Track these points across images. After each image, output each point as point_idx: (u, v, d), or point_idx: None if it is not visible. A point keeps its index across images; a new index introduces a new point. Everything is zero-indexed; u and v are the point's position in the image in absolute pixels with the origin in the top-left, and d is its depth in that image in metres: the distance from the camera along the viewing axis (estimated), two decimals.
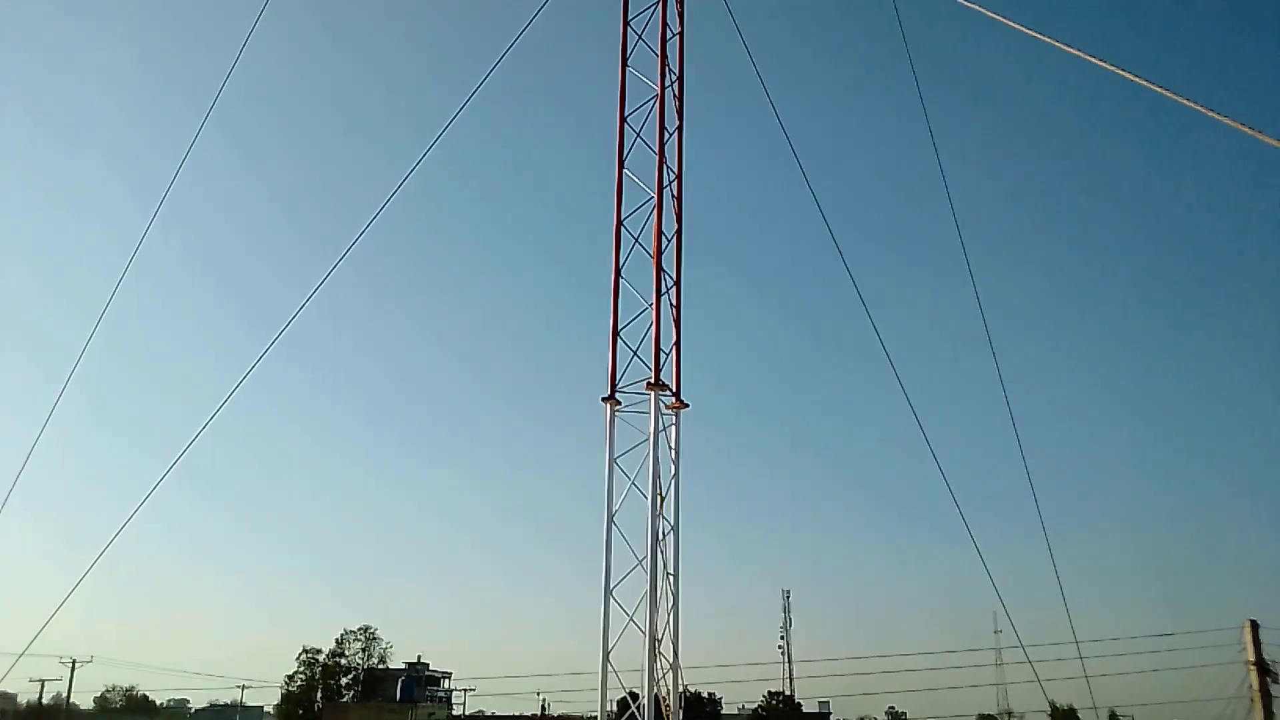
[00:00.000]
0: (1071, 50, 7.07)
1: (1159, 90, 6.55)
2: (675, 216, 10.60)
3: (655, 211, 10.40)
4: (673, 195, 10.64)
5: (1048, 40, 7.29)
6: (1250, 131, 5.70)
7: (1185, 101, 6.19)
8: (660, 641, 9.56)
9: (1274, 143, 5.44)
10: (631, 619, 9.52)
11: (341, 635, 50.54)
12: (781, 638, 58.10)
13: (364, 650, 50.85)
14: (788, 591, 59.79)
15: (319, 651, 49.62)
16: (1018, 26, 7.52)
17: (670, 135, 10.71)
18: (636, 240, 10.47)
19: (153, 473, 10.50)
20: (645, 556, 9.65)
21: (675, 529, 9.95)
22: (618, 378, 10.22)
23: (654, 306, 10.22)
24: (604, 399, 10.22)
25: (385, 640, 51.14)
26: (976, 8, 7.83)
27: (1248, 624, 21.52)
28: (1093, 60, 6.95)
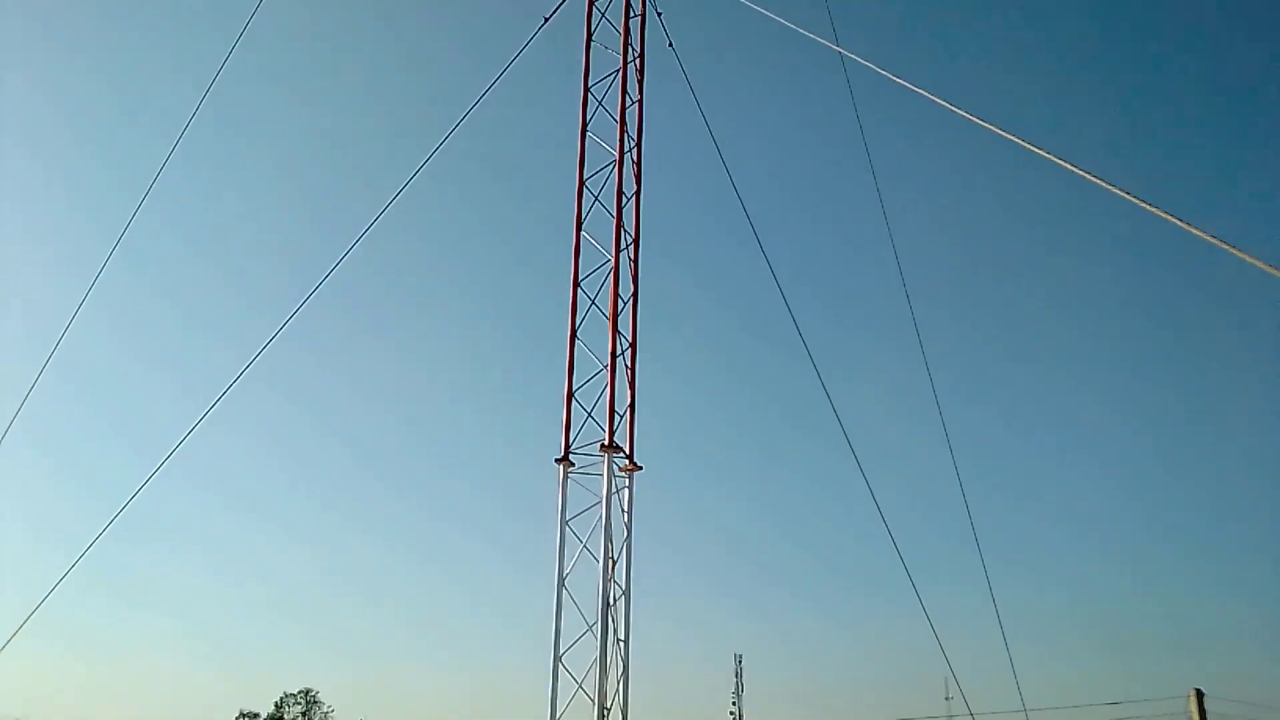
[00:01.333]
0: (1030, 146, 7.31)
1: (1116, 191, 6.78)
2: (632, 279, 10.69)
3: (612, 273, 10.47)
4: (629, 258, 10.74)
5: (1008, 136, 7.53)
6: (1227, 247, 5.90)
7: (1156, 211, 6.41)
8: (610, 709, 9.38)
9: (1265, 268, 5.50)
10: (581, 686, 9.34)
11: (281, 698, 48.94)
12: (733, 704, 57.35)
13: (304, 715, 49.23)
14: (740, 656, 59.18)
15: (256, 716, 47.98)
16: (972, 118, 7.77)
17: (628, 200, 10.86)
18: (593, 302, 10.52)
19: (95, 519, 10.19)
20: (595, 621, 9.52)
21: (627, 593, 9.84)
22: (571, 439, 10.19)
23: (609, 368, 10.24)
24: (557, 460, 10.16)
25: (327, 704, 49.59)
26: (941, 102, 8.08)
27: (1193, 693, 21.67)
28: (1046, 156, 7.19)
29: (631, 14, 11.21)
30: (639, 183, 10.98)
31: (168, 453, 10.35)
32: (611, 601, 9.68)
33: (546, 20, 11.27)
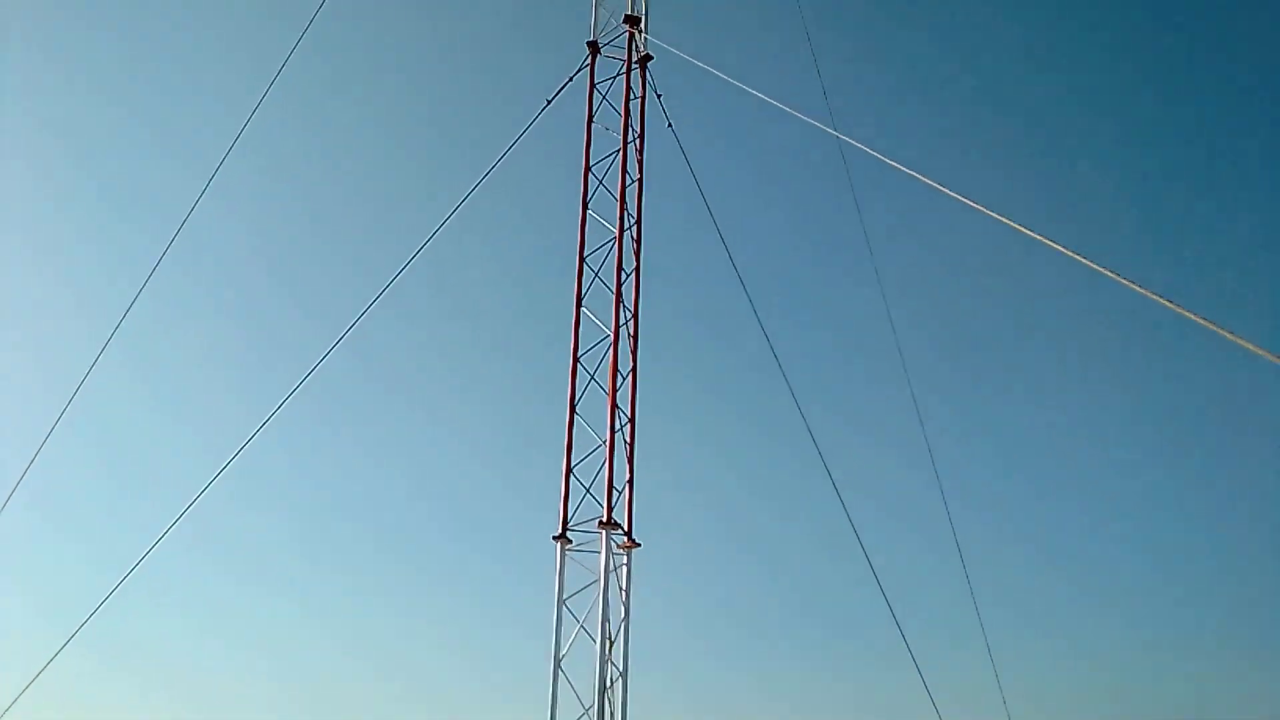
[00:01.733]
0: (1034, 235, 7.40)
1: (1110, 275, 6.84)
2: (631, 355, 10.72)
3: (611, 349, 10.52)
4: (629, 334, 10.79)
5: (1002, 220, 7.63)
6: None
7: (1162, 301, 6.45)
8: None
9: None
10: None
11: None
12: None
13: None
14: None
15: None
16: (969, 202, 7.88)
17: (627, 276, 10.96)
18: (592, 377, 10.55)
19: (98, 587, 10.05)
20: (592, 704, 9.30)
21: (624, 675, 9.63)
22: (569, 516, 10.10)
23: (608, 443, 10.20)
24: (555, 537, 10.05)
25: None
26: (933, 184, 8.21)
27: None
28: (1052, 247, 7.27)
29: (632, 96, 11.46)
30: (638, 260, 11.10)
31: (172, 520, 10.22)
32: (609, 683, 9.48)
33: (549, 103, 11.50)
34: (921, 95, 27.62)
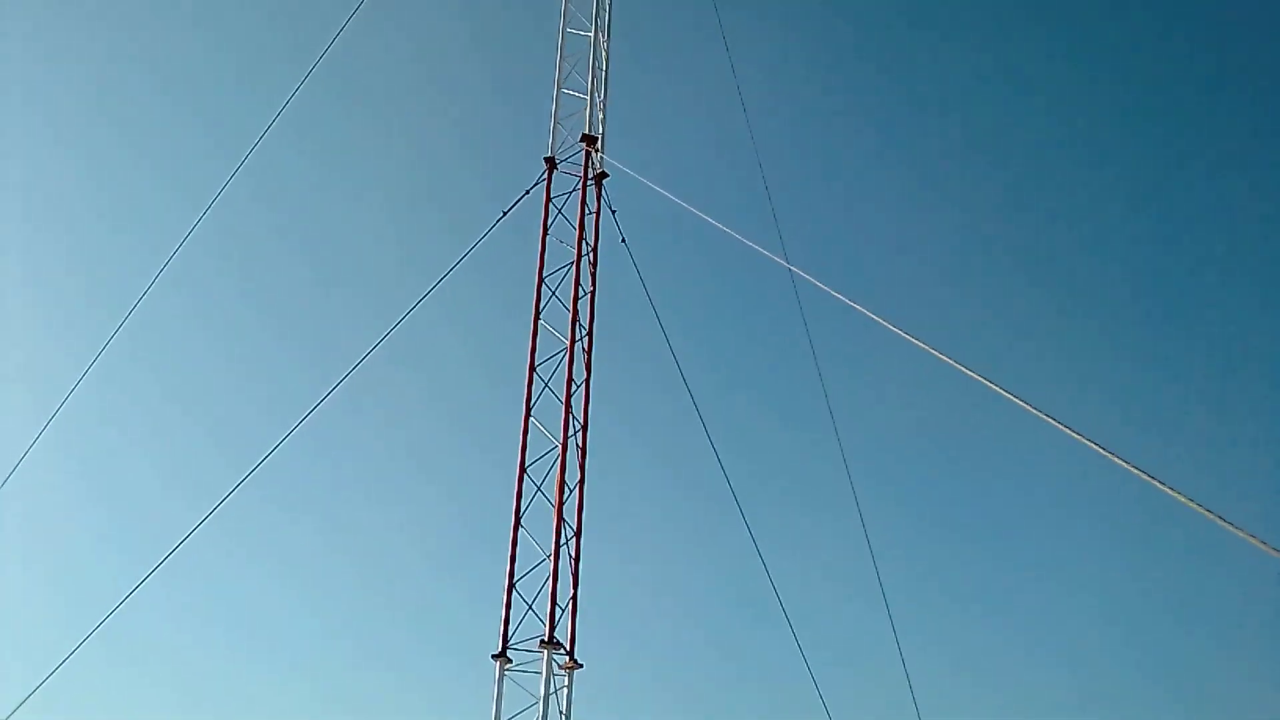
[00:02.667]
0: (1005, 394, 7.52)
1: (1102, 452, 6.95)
2: (579, 466, 10.56)
3: (559, 460, 10.36)
4: (577, 445, 10.67)
5: (963, 370, 7.75)
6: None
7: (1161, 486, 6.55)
8: None
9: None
10: None
11: None
12: None
13: None
14: None
15: None
16: (923, 345, 8.02)
17: (577, 387, 10.90)
18: (539, 489, 10.34)
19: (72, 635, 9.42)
20: None
21: None
22: (510, 633, 9.73)
23: (552, 558, 9.93)
24: (494, 656, 9.65)
25: None
26: (885, 323, 8.37)
27: None
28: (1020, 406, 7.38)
29: (587, 211, 11.64)
30: (589, 371, 11.07)
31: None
32: None
33: (504, 214, 11.66)
34: (880, 220, 28.40)
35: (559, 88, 12.23)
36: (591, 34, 12.37)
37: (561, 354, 10.95)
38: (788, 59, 28.27)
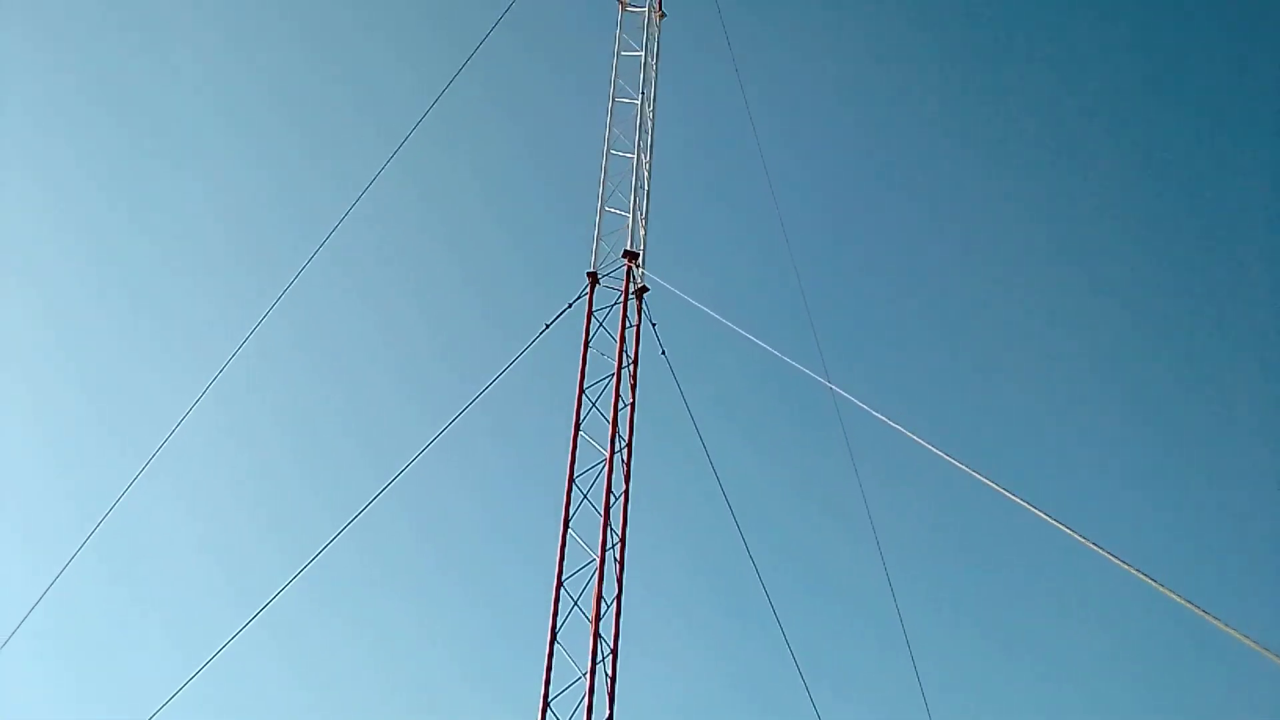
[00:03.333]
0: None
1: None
2: (616, 581, 10.44)
3: (597, 574, 10.26)
4: (615, 559, 10.58)
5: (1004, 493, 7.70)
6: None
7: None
8: None
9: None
10: None
11: None
12: None
13: None
14: None
15: None
16: (964, 467, 7.97)
17: (616, 500, 10.88)
18: (575, 603, 10.22)
19: None
20: None
21: None
22: None
23: (589, 675, 9.73)
24: None
25: None
26: (928, 445, 8.35)
27: None
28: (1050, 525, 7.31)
29: (627, 324, 11.82)
30: (628, 484, 11.04)
31: None
32: None
33: (547, 327, 11.86)
34: (918, 328, 28.26)
35: (602, 205, 12.60)
36: (634, 155, 12.80)
37: (601, 465, 10.97)
38: (824, 174, 28.86)
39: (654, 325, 11.97)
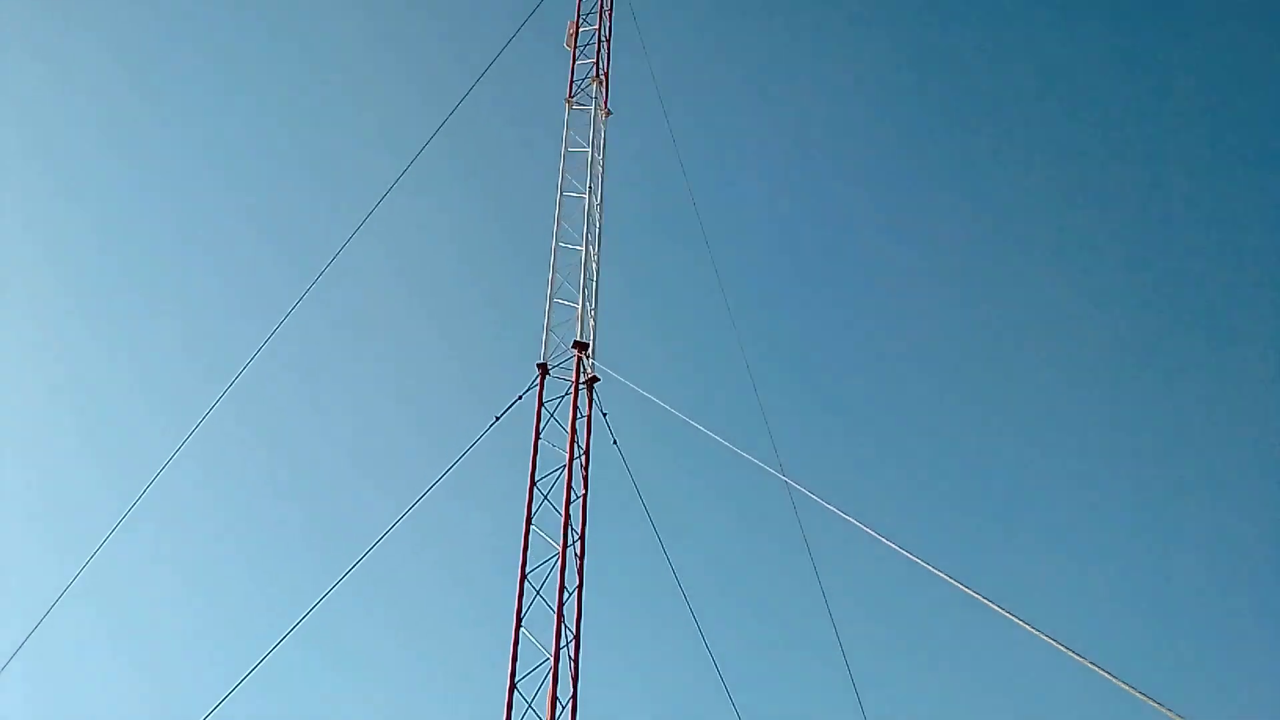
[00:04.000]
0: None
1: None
2: (571, 679, 10.15)
3: (551, 673, 9.97)
4: (569, 656, 10.30)
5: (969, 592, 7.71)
6: None
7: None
8: None
9: None
10: None
11: None
12: None
13: None
14: None
15: None
16: (928, 566, 7.98)
17: (569, 595, 10.64)
18: (529, 705, 9.88)
19: None
20: None
21: None
22: None
23: None
24: None
25: None
26: (890, 543, 8.36)
27: None
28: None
29: (578, 415, 11.76)
30: (581, 578, 10.83)
31: None
32: None
33: (497, 419, 11.76)
34: (872, 416, 28.43)
35: (551, 297, 12.66)
36: (583, 247, 12.95)
37: (554, 559, 10.76)
38: (771, 263, 29.43)
39: (605, 415, 11.94)
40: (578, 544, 11.02)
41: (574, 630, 10.43)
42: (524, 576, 10.68)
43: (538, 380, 11.98)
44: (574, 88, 14.34)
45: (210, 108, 29.82)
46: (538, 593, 10.57)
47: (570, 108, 14.17)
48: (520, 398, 11.90)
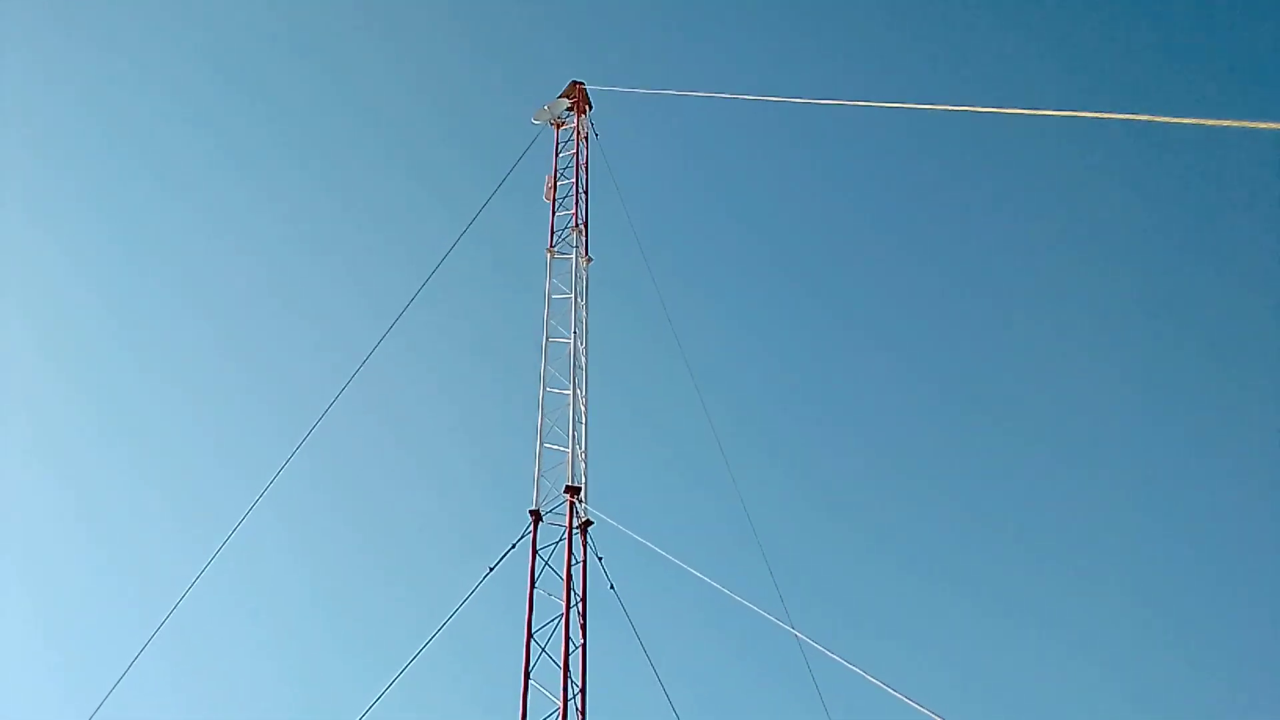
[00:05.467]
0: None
1: None
2: None
3: None
4: (577, 709, 9.97)
5: None
6: None
7: None
8: None
9: None
10: None
11: None
12: None
13: None
14: None
15: None
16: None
17: (575, 649, 10.51)
18: None
19: None
20: None
21: None
22: None
23: None
24: None
25: None
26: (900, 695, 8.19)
27: None
28: None
29: (573, 560, 11.58)
30: (585, 635, 10.73)
31: None
32: None
33: (491, 570, 11.56)
34: (874, 570, 27.76)
35: (540, 443, 12.65)
36: (569, 391, 13.04)
37: (554, 715, 10.39)
38: (760, 401, 29.57)
39: (600, 559, 11.76)
40: (578, 698, 10.67)
41: (580, 684, 10.08)
42: (529, 637, 10.48)
43: (531, 528, 11.85)
44: (554, 238, 14.75)
45: (199, 274, 30.47)
46: (543, 650, 10.31)
47: (552, 257, 14.54)
48: (514, 546, 11.74)
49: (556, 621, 11.05)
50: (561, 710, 10.34)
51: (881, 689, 7.85)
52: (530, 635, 11.01)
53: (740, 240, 31.66)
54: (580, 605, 11.27)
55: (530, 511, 11.95)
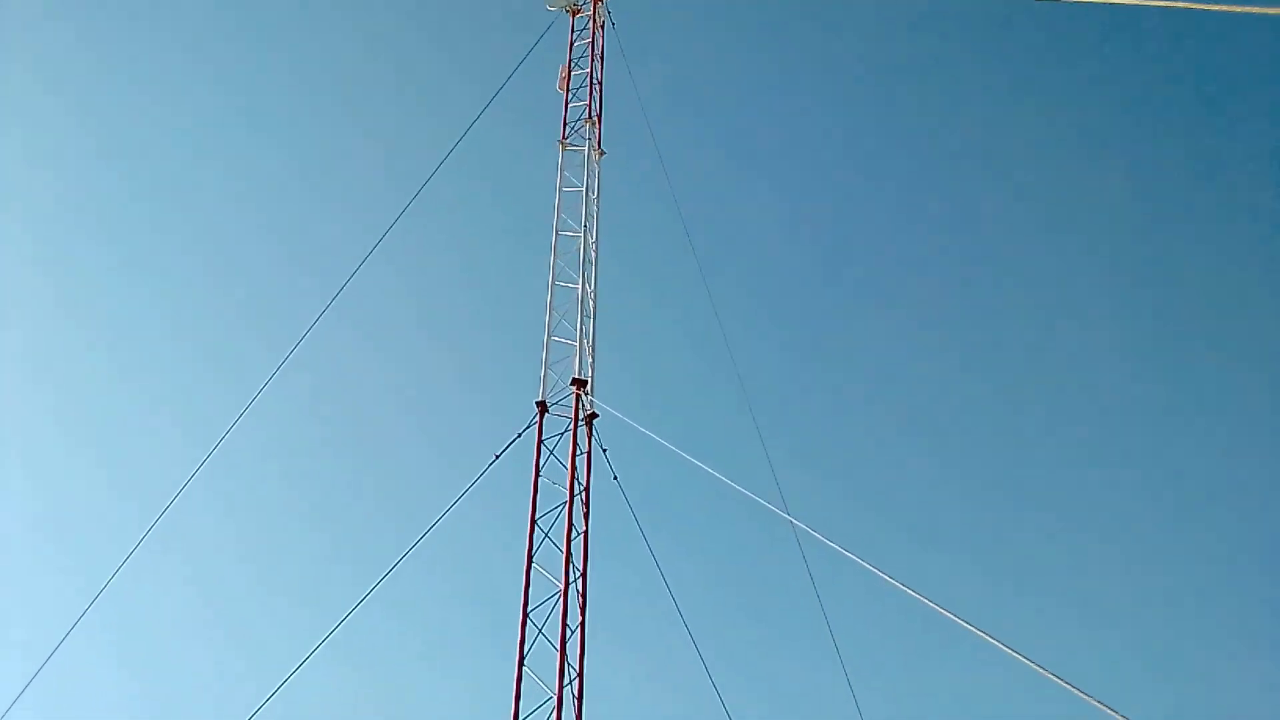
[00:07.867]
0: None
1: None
2: (576, 716, 10.09)
3: (555, 716, 9.92)
4: (573, 694, 10.25)
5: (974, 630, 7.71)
6: None
7: None
8: None
9: None
10: None
11: None
12: None
13: None
14: None
15: None
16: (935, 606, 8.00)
17: (572, 633, 10.61)
18: None
19: None
20: None
21: None
22: None
23: None
24: None
25: None
26: (895, 582, 8.37)
27: None
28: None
29: (578, 452, 11.78)
30: (584, 615, 10.80)
31: None
32: None
33: (496, 458, 11.76)
34: (875, 449, 28.14)
35: (548, 335, 12.72)
36: (579, 285, 13.04)
37: (555, 598, 10.73)
38: (769, 296, 29.53)
39: (605, 451, 11.94)
40: (580, 581, 11.00)
41: (577, 669, 10.38)
42: (526, 615, 10.65)
43: (536, 418, 12.01)
44: (567, 129, 14.51)
45: (215, 124, 30.22)
46: (540, 631, 10.54)
47: (564, 149, 14.34)
48: (519, 435, 11.92)
49: (560, 510, 11.32)
50: (563, 593, 10.67)
51: (881, 576, 8.05)
52: (534, 521, 11.29)
53: (755, 137, 31.11)
54: (584, 494, 11.52)
55: (537, 403, 12.10)
